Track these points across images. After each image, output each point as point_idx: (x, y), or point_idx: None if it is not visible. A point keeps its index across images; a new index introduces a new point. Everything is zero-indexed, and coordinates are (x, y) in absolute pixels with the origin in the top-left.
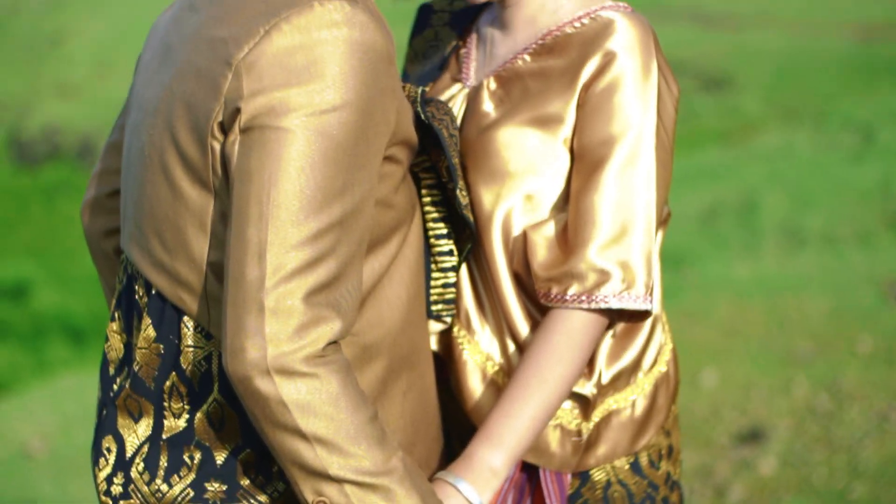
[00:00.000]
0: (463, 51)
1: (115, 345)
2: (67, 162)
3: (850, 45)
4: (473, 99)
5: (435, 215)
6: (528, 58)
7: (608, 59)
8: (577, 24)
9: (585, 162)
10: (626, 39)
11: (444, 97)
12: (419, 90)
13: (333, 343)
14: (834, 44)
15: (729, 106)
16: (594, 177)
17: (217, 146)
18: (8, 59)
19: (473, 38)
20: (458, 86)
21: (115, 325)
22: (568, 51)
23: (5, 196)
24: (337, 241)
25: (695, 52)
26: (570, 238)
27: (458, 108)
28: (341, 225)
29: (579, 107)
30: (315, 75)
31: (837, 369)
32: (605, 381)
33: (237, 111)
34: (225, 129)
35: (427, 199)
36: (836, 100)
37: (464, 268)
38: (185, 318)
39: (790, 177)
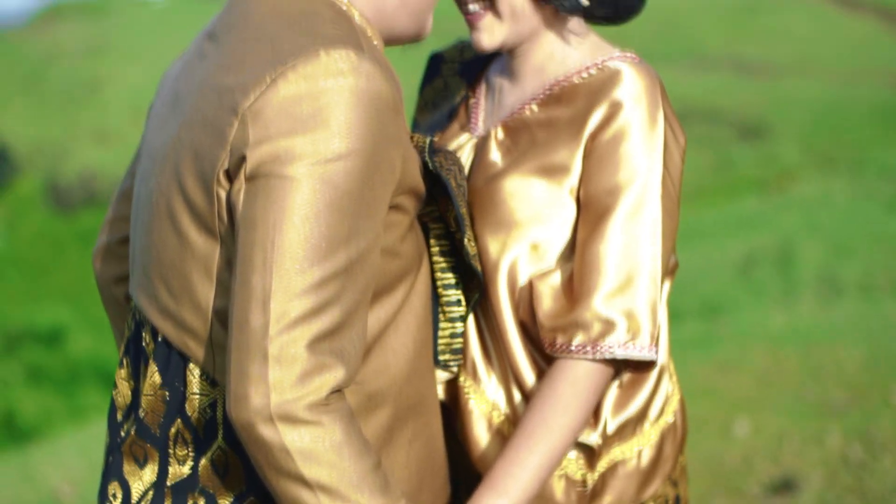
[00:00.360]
0: (472, 100)
1: (123, 391)
2: (103, 207)
3: (887, 94)
4: (481, 148)
5: (443, 265)
6: (535, 107)
7: (614, 109)
8: (585, 74)
9: (591, 211)
10: (632, 89)
11: (452, 146)
12: (427, 140)
13: (337, 391)
14: (871, 92)
15: (766, 154)
16: (600, 226)
17: (223, 194)
18: (45, 106)
19: (483, 87)
20: (466, 135)
21: (123, 372)
22: (575, 100)
23: (42, 241)
24: (341, 290)
25: (732, 101)
26: (575, 287)
27: (466, 158)
28: (346, 273)
29: (586, 156)
30: (321, 124)
31: (871, 419)
32: (610, 430)
33: (243, 159)
34: (231, 176)
35: (435, 249)
36: (873, 148)
37: (470, 316)
38: (191, 365)
39: (827, 225)
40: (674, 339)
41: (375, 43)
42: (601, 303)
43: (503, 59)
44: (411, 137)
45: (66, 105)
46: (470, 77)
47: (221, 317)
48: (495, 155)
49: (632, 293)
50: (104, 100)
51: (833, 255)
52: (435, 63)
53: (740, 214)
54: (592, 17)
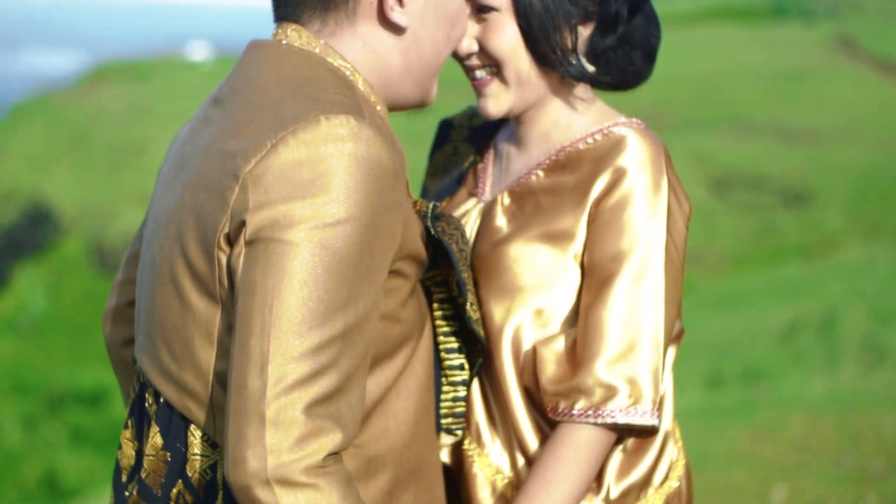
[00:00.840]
0: (480, 166)
1: (127, 452)
2: None
3: None
4: (488, 214)
5: (446, 329)
6: (541, 173)
7: (618, 176)
8: (590, 141)
9: (595, 277)
10: (636, 156)
11: (459, 211)
12: (430, 205)
13: (334, 454)
14: None
15: (810, 221)
16: (603, 292)
17: (223, 258)
18: (90, 168)
19: (491, 153)
20: (473, 200)
21: (127, 433)
22: (580, 167)
23: (86, 302)
24: (339, 354)
25: (776, 168)
26: (578, 353)
27: (472, 223)
28: (344, 338)
29: (590, 223)
30: (320, 189)
31: None
32: (613, 496)
33: (242, 223)
34: (231, 241)
35: (438, 314)
36: None
37: (475, 381)
38: (192, 427)
39: (870, 293)
40: (712, 405)
41: (379, 109)
42: (603, 369)
43: (511, 125)
44: (415, 203)
45: (111, 167)
46: (478, 143)
47: (222, 380)
48: (501, 221)
49: (634, 359)
50: (148, 162)
51: (876, 322)
52: (445, 129)
53: (783, 281)
54: (598, 83)
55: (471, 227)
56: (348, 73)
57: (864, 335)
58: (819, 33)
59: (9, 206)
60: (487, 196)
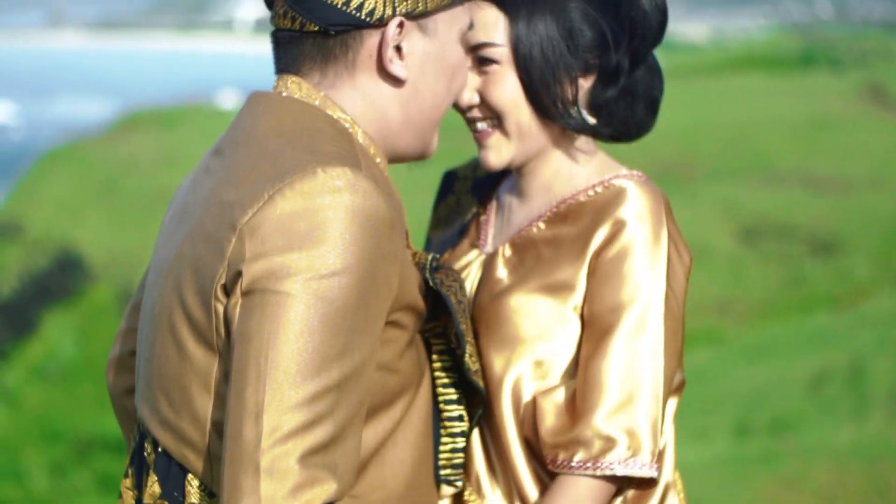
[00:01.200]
0: (483, 217)
1: (127, 500)
2: None
3: None
4: (489, 265)
5: (445, 381)
6: (542, 225)
7: (618, 228)
8: (591, 192)
9: (594, 329)
10: (636, 208)
11: (461, 263)
12: (429, 257)
13: None
14: None
15: (838, 270)
16: (602, 344)
17: (220, 308)
18: (120, 215)
19: (493, 204)
20: (475, 252)
21: (127, 482)
22: (580, 219)
23: None
24: (335, 404)
25: (805, 217)
26: (577, 404)
27: (474, 274)
28: (339, 388)
29: (590, 274)
30: (316, 240)
31: None
32: None
33: (239, 274)
34: (228, 291)
35: (437, 365)
36: None
37: (475, 431)
38: (190, 476)
39: None
40: (739, 455)
41: (378, 161)
42: (602, 420)
43: (513, 177)
44: (414, 254)
45: (141, 214)
46: (481, 194)
47: (219, 429)
48: (502, 272)
49: (633, 411)
50: None
51: None
52: (448, 180)
53: (812, 330)
54: (600, 135)
55: (472, 279)
56: (347, 125)
57: (893, 385)
58: (847, 82)
59: (39, 253)
60: (489, 247)
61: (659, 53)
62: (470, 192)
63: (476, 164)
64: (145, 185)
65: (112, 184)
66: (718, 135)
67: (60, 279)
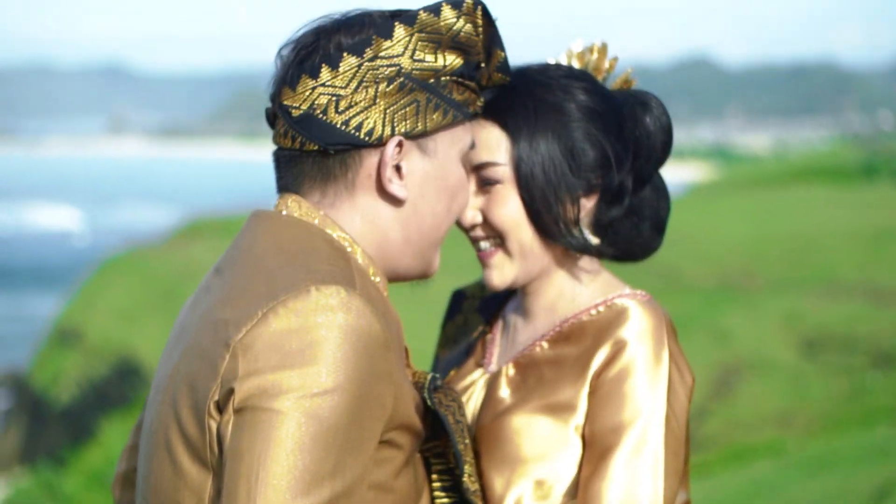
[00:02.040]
0: (489, 336)
1: None
2: None
3: None
4: (492, 385)
5: (445, 501)
6: (545, 345)
7: (619, 347)
8: (594, 312)
9: (595, 449)
10: (637, 328)
11: (465, 382)
12: (429, 376)
13: None
14: None
15: None
16: (602, 464)
17: (214, 425)
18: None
19: (499, 323)
20: (480, 371)
21: None
22: (582, 338)
23: None
24: None
25: (867, 329)
26: None
27: (478, 394)
28: None
29: (591, 394)
30: (309, 359)
31: None
32: None
33: (231, 391)
34: (221, 408)
35: (437, 485)
36: None
37: None
38: None
39: None
40: None
41: (378, 280)
42: None
43: (519, 296)
44: (414, 374)
45: None
46: (488, 313)
47: None
48: (504, 392)
49: None
50: None
51: None
52: (457, 300)
53: (874, 443)
54: (604, 255)
55: (476, 398)
56: (346, 244)
57: None
58: None
59: (98, 360)
60: (494, 367)
61: (721, 165)
62: (477, 311)
63: (484, 284)
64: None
65: (171, 291)
66: (780, 246)
67: (119, 386)
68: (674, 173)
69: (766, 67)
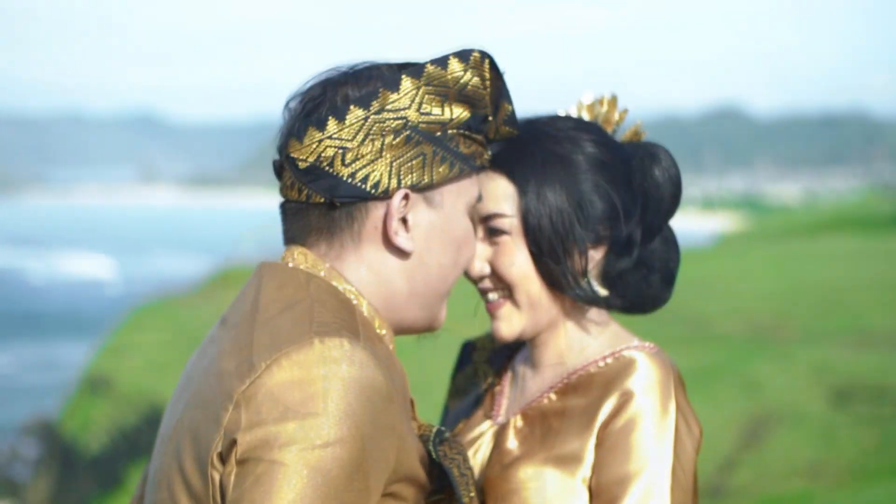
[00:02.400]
0: (497, 387)
1: None
2: None
3: None
4: (500, 436)
5: None
6: (553, 396)
7: (626, 399)
8: (602, 363)
9: (601, 500)
10: (644, 379)
11: (473, 434)
12: (434, 429)
13: None
14: None
15: None
16: None
17: (217, 476)
18: None
19: (508, 375)
20: (488, 422)
21: None
22: (590, 390)
23: None
24: None
25: None
26: None
27: (486, 445)
28: None
29: (597, 446)
30: (311, 410)
31: None
32: None
33: (234, 442)
34: (224, 459)
35: None
36: None
37: None
38: None
39: None
40: None
41: (384, 332)
42: None
43: (527, 347)
44: (420, 426)
45: None
46: (498, 364)
47: None
48: (512, 443)
49: None
50: None
51: None
52: (467, 351)
53: None
54: (612, 307)
55: (484, 450)
56: (352, 296)
57: None
58: None
59: (128, 409)
60: (502, 418)
61: (751, 214)
62: (487, 362)
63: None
64: None
65: (201, 340)
66: (811, 296)
67: (149, 435)
68: (704, 223)
69: (796, 117)
